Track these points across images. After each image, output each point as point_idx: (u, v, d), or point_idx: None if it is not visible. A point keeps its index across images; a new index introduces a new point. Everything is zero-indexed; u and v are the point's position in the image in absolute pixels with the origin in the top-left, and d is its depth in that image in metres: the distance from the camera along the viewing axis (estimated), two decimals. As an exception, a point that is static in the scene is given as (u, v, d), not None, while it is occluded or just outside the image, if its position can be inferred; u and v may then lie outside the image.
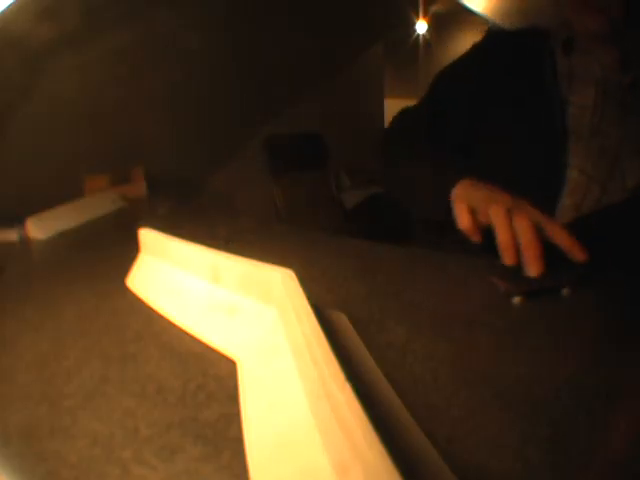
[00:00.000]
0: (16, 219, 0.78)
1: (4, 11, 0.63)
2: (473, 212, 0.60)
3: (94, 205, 0.90)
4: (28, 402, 0.33)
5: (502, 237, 0.52)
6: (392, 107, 3.07)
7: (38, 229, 0.77)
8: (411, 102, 0.92)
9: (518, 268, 0.50)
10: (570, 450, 0.27)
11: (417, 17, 4.13)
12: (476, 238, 0.59)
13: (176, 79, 1.18)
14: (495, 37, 0.89)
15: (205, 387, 0.33)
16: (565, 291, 0.47)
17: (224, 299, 0.41)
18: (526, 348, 0.38)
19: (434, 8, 4.30)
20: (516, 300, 0.46)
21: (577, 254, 0.49)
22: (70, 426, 0.30)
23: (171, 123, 1.17)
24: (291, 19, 1.34)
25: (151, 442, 0.28)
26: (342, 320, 0.41)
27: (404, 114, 0.93)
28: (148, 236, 0.52)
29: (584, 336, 0.41)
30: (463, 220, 0.60)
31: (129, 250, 0.56)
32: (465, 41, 4.44)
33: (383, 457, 0.19)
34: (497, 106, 0.81)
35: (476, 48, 0.88)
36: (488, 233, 0.56)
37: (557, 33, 0.79)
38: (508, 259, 0.51)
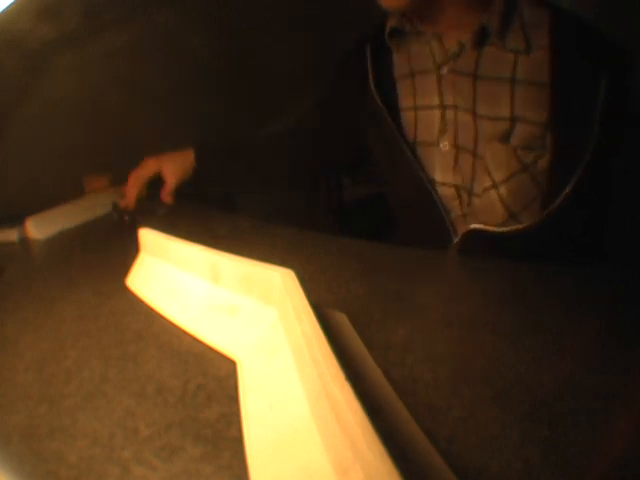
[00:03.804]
0: (16, 219, 0.78)
1: (4, 11, 0.63)
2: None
3: (94, 205, 0.90)
4: (28, 402, 0.33)
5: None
6: (392, 107, 3.06)
7: (38, 229, 0.77)
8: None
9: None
10: (570, 450, 0.27)
11: (417, 17, 4.13)
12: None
13: (176, 79, 1.18)
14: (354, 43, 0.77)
15: (205, 387, 0.33)
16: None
17: (224, 299, 0.41)
18: (526, 348, 0.38)
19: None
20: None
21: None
22: (70, 426, 0.30)
23: (171, 123, 1.17)
24: (291, 19, 1.34)
25: (151, 442, 0.28)
26: (342, 320, 0.41)
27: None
28: (148, 236, 0.52)
29: (584, 336, 0.41)
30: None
31: (129, 250, 0.56)
32: (465, 41, 4.44)
33: (383, 457, 0.19)
34: (359, 131, 0.74)
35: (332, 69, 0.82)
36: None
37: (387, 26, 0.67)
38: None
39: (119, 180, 1.06)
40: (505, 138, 0.60)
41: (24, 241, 0.76)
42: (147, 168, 0.83)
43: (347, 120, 0.76)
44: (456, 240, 0.65)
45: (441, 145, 0.65)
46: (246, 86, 1.33)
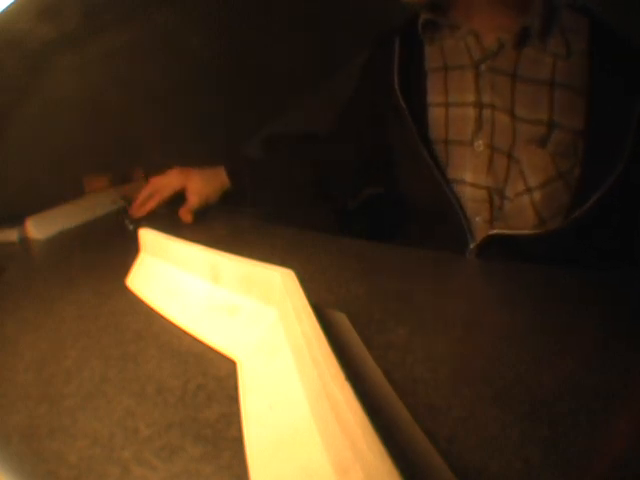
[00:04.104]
0: (16, 219, 0.78)
1: (4, 11, 0.63)
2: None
3: (94, 205, 0.90)
4: (28, 402, 0.33)
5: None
6: (392, 107, 3.05)
7: (38, 229, 0.77)
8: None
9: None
10: (570, 450, 0.27)
11: (417, 17, 4.13)
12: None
13: (176, 79, 1.18)
14: (376, 44, 0.76)
15: (205, 387, 0.33)
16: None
17: (224, 299, 0.41)
18: (526, 348, 0.38)
19: (434, 8, 4.30)
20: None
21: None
22: (70, 426, 0.30)
23: (171, 123, 1.17)
24: (291, 19, 1.34)
25: (151, 442, 0.28)
26: (342, 320, 0.41)
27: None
28: (148, 236, 0.52)
29: (584, 336, 0.41)
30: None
31: (129, 250, 0.56)
32: (465, 41, 4.43)
33: (383, 457, 0.19)
34: (382, 128, 0.72)
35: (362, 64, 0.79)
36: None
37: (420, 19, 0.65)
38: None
39: (119, 180, 1.06)
40: (542, 142, 0.58)
41: (24, 241, 0.76)
42: (171, 182, 0.75)
43: (374, 120, 0.73)
44: (474, 243, 0.63)
45: (475, 145, 0.62)
46: (246, 86, 1.33)
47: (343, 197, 0.94)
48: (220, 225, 0.76)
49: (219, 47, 1.25)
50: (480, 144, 0.62)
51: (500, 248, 0.59)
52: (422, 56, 0.67)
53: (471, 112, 0.62)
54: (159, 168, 0.82)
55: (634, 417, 0.31)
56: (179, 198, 0.80)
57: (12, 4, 0.63)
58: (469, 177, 0.64)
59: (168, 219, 0.77)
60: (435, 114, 0.65)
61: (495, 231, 0.59)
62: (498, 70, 0.61)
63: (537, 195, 0.58)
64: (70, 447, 0.28)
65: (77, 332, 0.43)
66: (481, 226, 0.65)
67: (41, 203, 0.83)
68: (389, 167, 0.75)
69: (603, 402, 0.31)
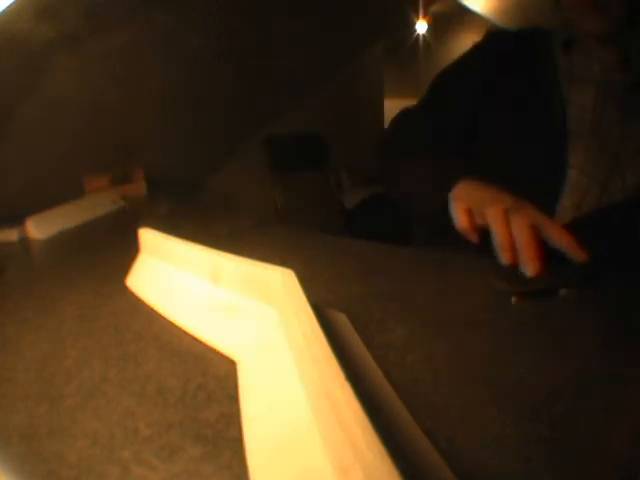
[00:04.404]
0: (16, 219, 0.78)
1: (4, 11, 0.63)
2: (472, 212, 0.59)
3: (94, 205, 0.90)
4: (28, 402, 0.33)
5: (499, 237, 0.52)
6: (392, 107, 3.07)
7: (38, 229, 0.77)
8: (411, 102, 0.92)
9: (517, 269, 0.50)
10: (570, 450, 0.27)
11: (417, 17, 4.13)
12: (474, 238, 0.59)
13: (176, 79, 1.18)
14: (496, 37, 0.89)
15: (205, 387, 0.33)
16: (563, 292, 0.47)
17: (224, 299, 0.41)
18: (526, 348, 0.38)
19: (434, 8, 4.30)
20: (514, 300, 0.46)
21: (577, 254, 0.49)
22: (70, 426, 0.30)
23: (171, 123, 1.17)
24: (291, 19, 1.34)
25: (151, 442, 0.28)
26: (342, 320, 0.41)
27: (404, 114, 0.93)
28: (148, 236, 0.52)
29: (584, 336, 0.41)
30: (461, 220, 0.60)
31: (129, 250, 0.56)
32: (465, 41, 4.45)
33: (383, 457, 0.19)
34: (498, 106, 0.81)
35: (477, 48, 0.88)
36: (489, 235, 0.56)
37: (558, 33, 0.79)
38: (506, 259, 0.51)
39: (119, 180, 1.06)
40: (638, 150, 0.70)
41: (24, 241, 0.76)
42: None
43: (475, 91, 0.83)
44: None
45: (590, 142, 0.72)
46: (246, 86, 1.33)
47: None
48: (220, 225, 0.76)
49: (219, 47, 1.25)
50: (594, 144, 0.72)
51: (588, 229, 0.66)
52: (549, 63, 0.79)
53: (589, 115, 0.73)
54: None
55: (634, 417, 0.31)
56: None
57: (12, 4, 0.63)
58: (579, 163, 0.72)
59: (168, 219, 0.77)
60: (557, 108, 0.76)
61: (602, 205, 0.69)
62: (615, 93, 0.73)
63: (630, 194, 0.69)
64: (70, 447, 0.28)
65: (77, 332, 0.43)
66: (567, 209, 0.72)
67: (41, 203, 0.83)
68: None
69: (603, 402, 0.31)
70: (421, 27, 4.39)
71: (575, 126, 0.74)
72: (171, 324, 0.42)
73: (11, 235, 0.76)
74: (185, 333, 0.41)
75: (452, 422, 0.29)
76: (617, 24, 0.70)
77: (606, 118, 0.72)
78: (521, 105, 0.79)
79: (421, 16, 4.13)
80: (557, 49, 0.78)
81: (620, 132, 0.72)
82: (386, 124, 0.96)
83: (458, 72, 0.88)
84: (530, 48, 0.81)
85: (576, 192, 0.72)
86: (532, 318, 0.43)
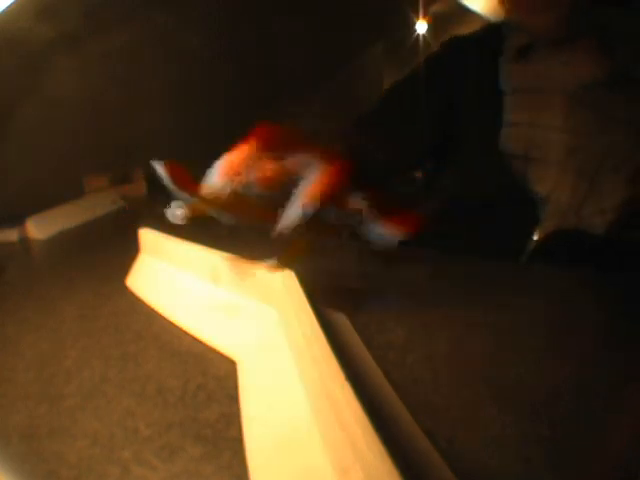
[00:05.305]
0: (16, 219, 0.78)
1: (4, 11, 0.63)
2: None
3: (94, 205, 0.90)
4: (28, 402, 0.33)
5: None
6: (392, 107, 3.05)
7: (38, 229, 0.77)
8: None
9: None
10: (570, 450, 0.27)
11: (417, 17, 4.13)
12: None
13: (176, 79, 1.18)
14: (452, 43, 0.79)
15: (205, 387, 0.33)
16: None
17: (224, 299, 0.41)
18: (526, 348, 0.38)
19: (434, 8, 4.30)
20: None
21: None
22: (70, 426, 0.30)
23: (171, 123, 1.17)
24: (291, 19, 1.34)
25: (151, 442, 0.28)
26: (342, 320, 0.41)
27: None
28: (148, 236, 0.52)
29: (584, 336, 0.41)
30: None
31: (129, 250, 0.56)
32: (465, 41, 4.44)
33: (383, 457, 0.19)
34: (458, 121, 0.73)
35: (432, 59, 0.80)
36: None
37: (515, 38, 0.70)
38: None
39: (119, 180, 1.06)
40: (617, 170, 0.65)
41: (24, 241, 0.76)
42: None
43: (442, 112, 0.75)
44: (539, 235, 0.66)
45: (563, 167, 0.66)
46: (246, 86, 1.33)
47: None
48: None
49: (219, 47, 1.25)
50: (567, 168, 0.66)
51: (562, 247, 0.64)
52: (497, 71, 0.70)
53: (557, 135, 0.66)
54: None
55: (634, 417, 0.31)
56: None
57: (12, 4, 0.63)
58: (547, 192, 0.67)
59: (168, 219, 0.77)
60: (515, 132, 0.68)
61: (568, 227, 0.64)
62: (588, 102, 0.66)
63: (609, 216, 0.64)
64: (70, 447, 0.28)
65: (77, 332, 0.43)
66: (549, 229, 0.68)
67: (41, 203, 0.83)
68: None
69: (603, 402, 0.31)
70: (421, 27, 4.39)
71: (537, 151, 0.67)
72: (171, 324, 0.42)
73: (11, 235, 0.76)
74: (185, 333, 0.41)
75: (452, 422, 0.29)
76: (565, 22, 0.63)
77: (581, 133, 0.65)
78: (478, 124, 0.71)
79: (421, 16, 4.13)
80: (509, 58, 0.69)
81: (597, 147, 0.65)
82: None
83: (414, 85, 0.79)
84: (485, 56, 0.71)
85: (551, 218, 0.67)
86: (532, 318, 0.43)
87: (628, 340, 0.39)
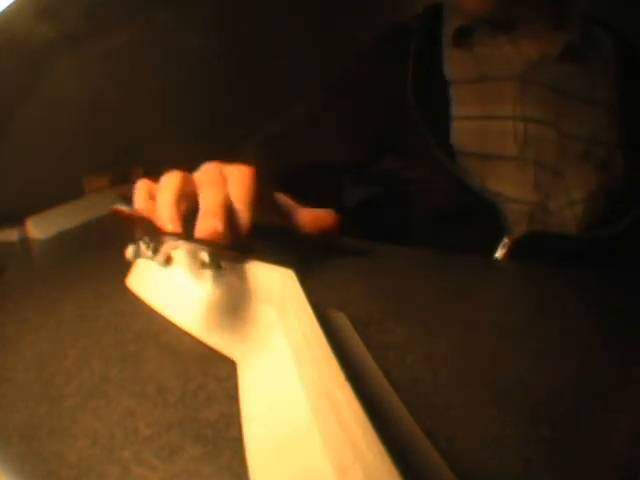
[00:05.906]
0: (16, 219, 0.78)
1: (4, 11, 0.63)
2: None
3: (94, 205, 0.90)
4: (28, 402, 0.33)
5: None
6: (392, 107, 3.05)
7: (38, 229, 0.77)
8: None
9: None
10: (570, 450, 0.27)
11: (417, 17, 4.13)
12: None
13: (176, 79, 1.18)
14: (388, 32, 0.70)
15: (205, 387, 0.33)
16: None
17: (224, 299, 0.41)
18: (526, 348, 0.38)
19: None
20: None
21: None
22: (70, 426, 0.30)
23: (171, 123, 1.17)
24: (291, 19, 1.34)
25: (151, 442, 0.28)
26: (342, 320, 0.41)
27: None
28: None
29: (584, 336, 0.41)
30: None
31: (129, 250, 0.55)
32: (465, 41, 4.43)
33: (383, 457, 0.19)
34: (400, 122, 0.65)
35: (364, 52, 0.72)
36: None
37: (453, 21, 0.62)
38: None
39: (119, 180, 1.06)
40: (586, 157, 0.58)
41: (24, 241, 0.76)
42: None
43: (376, 119, 0.68)
44: (509, 239, 0.59)
45: (521, 160, 0.60)
46: (246, 86, 1.33)
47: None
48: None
49: (219, 47, 1.25)
50: (527, 160, 0.60)
51: (534, 249, 0.58)
52: (440, 63, 0.62)
53: (510, 126, 0.59)
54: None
55: (634, 417, 0.31)
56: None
57: (12, 4, 0.63)
58: (510, 192, 0.61)
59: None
60: (464, 127, 0.61)
61: (538, 229, 0.59)
62: (542, 84, 0.59)
63: (579, 208, 0.58)
64: (70, 447, 0.28)
65: (77, 332, 0.43)
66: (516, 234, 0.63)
67: (41, 203, 0.83)
68: (397, 169, 0.71)
69: (603, 402, 0.31)
70: (421, 27, 4.39)
71: (491, 146, 0.60)
72: (171, 324, 0.42)
73: (11, 235, 0.76)
74: (185, 333, 0.41)
75: (452, 422, 0.29)
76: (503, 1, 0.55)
77: (538, 120, 0.58)
78: (423, 120, 0.62)
79: (421, 16, 4.12)
80: (449, 43, 0.62)
81: (557, 134, 0.58)
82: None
83: (345, 84, 0.71)
84: (425, 42, 0.63)
85: (519, 221, 0.60)
86: (532, 318, 0.43)
87: (628, 340, 0.39)
